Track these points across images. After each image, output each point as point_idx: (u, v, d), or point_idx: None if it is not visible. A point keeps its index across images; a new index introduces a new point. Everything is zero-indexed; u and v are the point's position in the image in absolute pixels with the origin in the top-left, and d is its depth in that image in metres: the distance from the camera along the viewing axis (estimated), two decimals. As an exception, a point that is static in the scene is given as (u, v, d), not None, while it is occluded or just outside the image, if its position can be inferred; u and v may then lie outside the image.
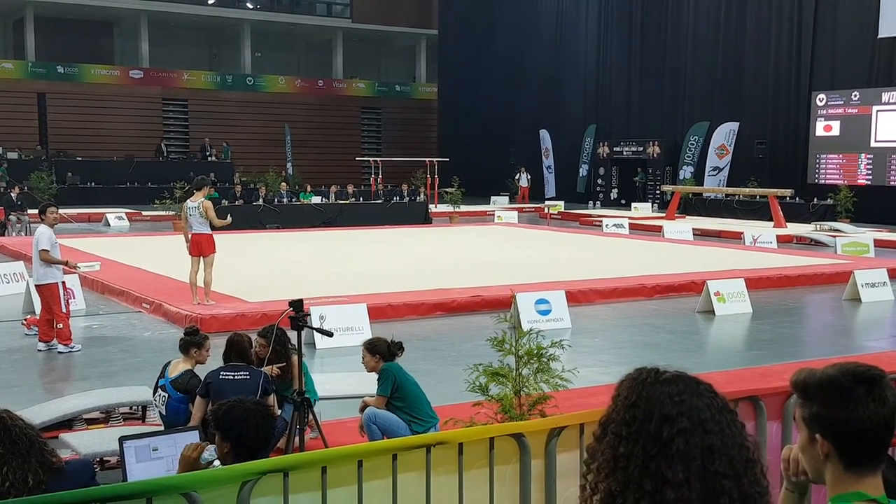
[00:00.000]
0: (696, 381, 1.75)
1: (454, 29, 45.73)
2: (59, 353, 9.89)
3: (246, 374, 5.87)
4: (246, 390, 5.44)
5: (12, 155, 35.51)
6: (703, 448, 1.65)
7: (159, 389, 6.33)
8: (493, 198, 37.39)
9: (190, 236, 11.92)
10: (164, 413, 6.25)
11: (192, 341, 6.45)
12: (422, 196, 30.80)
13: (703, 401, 1.71)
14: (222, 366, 6.09)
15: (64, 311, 9.95)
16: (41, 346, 10.01)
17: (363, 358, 6.33)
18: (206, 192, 12.22)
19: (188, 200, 12.12)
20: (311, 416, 5.53)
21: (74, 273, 10.54)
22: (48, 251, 9.85)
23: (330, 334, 6.22)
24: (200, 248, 11.84)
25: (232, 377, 5.83)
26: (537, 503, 3.87)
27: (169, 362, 6.51)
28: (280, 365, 6.30)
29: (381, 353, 6.24)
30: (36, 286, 10.15)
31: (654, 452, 1.66)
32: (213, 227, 12.06)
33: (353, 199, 28.54)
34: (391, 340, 6.31)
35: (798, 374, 1.86)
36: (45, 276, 9.92)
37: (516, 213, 30.79)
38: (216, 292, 12.00)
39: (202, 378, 6.14)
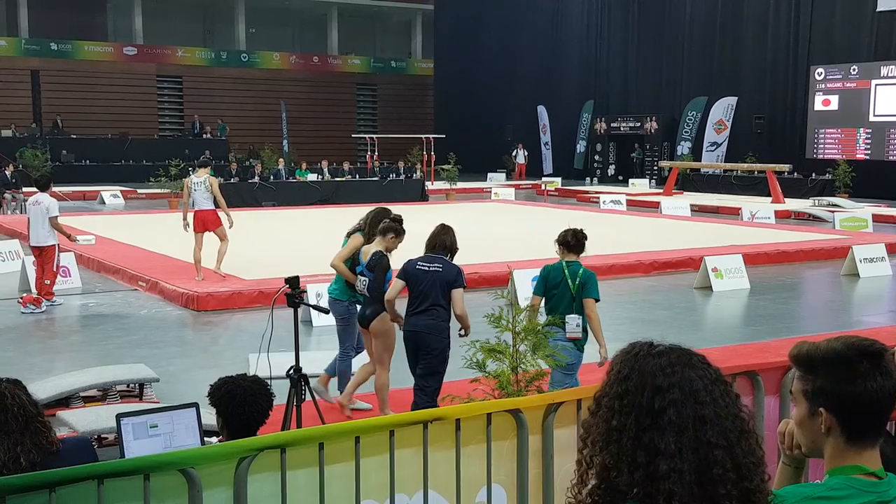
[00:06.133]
0: (689, 352, 1.74)
1: (450, 4, 45.39)
2: (30, 313, 10.59)
3: (439, 267, 6.02)
4: (438, 281, 5.88)
5: (6, 132, 35.31)
6: (694, 418, 1.65)
7: (360, 275, 6.54)
8: (489, 174, 37.27)
9: (192, 214, 11.92)
10: (366, 295, 6.45)
11: (393, 227, 6.58)
12: (418, 173, 30.71)
13: (695, 372, 1.70)
14: (421, 255, 6.21)
15: (55, 269, 10.91)
16: (46, 303, 10.81)
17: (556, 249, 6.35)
18: (209, 170, 12.38)
19: (192, 176, 12.24)
20: (307, 393, 5.53)
21: (73, 244, 11.23)
22: (57, 218, 10.72)
23: (327, 311, 6.24)
24: (205, 224, 11.92)
25: (427, 268, 6.00)
26: (534, 478, 3.87)
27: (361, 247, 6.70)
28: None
29: (563, 243, 6.29)
30: (36, 247, 10.79)
31: (647, 424, 1.66)
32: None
33: (350, 176, 28.44)
34: (576, 228, 6.37)
35: (799, 347, 1.85)
36: (48, 237, 10.73)
37: (513, 189, 30.71)
38: (208, 269, 11.93)
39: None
